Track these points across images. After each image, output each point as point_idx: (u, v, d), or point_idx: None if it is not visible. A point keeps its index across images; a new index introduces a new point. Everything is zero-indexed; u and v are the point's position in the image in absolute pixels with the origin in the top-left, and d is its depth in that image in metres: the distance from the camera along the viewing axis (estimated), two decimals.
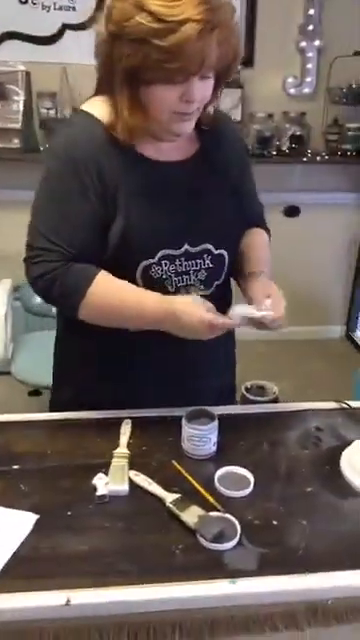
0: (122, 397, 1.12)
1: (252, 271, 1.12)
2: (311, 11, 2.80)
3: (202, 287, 1.09)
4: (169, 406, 1.11)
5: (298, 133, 2.84)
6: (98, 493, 0.89)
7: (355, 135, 2.84)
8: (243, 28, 2.75)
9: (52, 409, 1.21)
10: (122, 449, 0.99)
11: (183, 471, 0.95)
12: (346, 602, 0.78)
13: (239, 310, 1.01)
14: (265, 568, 0.78)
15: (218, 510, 0.86)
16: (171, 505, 0.86)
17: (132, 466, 0.95)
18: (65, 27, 2.65)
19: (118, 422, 1.07)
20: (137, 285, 1.03)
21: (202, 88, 0.94)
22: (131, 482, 0.92)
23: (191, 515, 0.84)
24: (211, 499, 0.88)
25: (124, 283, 1.01)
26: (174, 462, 0.97)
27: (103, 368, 1.13)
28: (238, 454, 1.00)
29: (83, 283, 0.99)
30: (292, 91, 2.93)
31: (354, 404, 1.17)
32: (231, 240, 1.13)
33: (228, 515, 0.85)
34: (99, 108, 1.01)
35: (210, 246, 1.07)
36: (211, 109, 1.06)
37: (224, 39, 0.91)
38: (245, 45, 2.77)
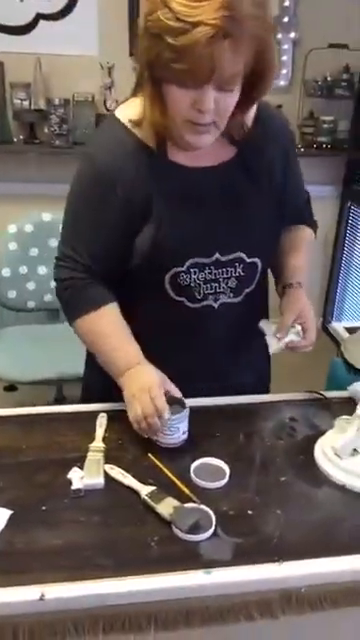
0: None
1: (287, 283, 1.11)
2: (286, 2, 2.79)
3: (231, 295, 1.08)
4: None
5: None
6: (73, 487, 0.89)
7: (330, 128, 2.85)
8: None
9: (84, 399, 1.23)
10: (97, 443, 0.99)
11: (159, 463, 0.95)
12: (320, 589, 0.79)
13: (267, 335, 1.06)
14: (240, 558, 0.79)
15: (193, 501, 0.87)
16: (146, 497, 0.86)
17: (108, 459, 0.95)
18: (39, 17, 2.60)
19: (94, 416, 1.07)
20: (166, 291, 1.03)
21: (219, 100, 0.88)
22: (106, 475, 0.92)
23: (166, 507, 0.84)
24: (187, 491, 0.89)
25: (118, 327, 1.04)
26: (150, 455, 0.97)
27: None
28: (214, 445, 1.01)
29: (88, 306, 1.04)
30: None
31: (328, 394, 1.18)
32: (265, 248, 1.10)
33: (203, 506, 0.85)
34: (132, 108, 0.98)
35: (243, 255, 1.05)
36: (245, 122, 1.00)
37: (245, 50, 0.84)
38: None
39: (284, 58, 2.89)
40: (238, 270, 1.06)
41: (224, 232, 1.03)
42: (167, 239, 0.99)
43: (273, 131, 1.07)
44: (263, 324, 1.09)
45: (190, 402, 1.01)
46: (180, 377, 1.02)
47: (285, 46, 2.87)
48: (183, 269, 1.01)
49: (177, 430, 0.99)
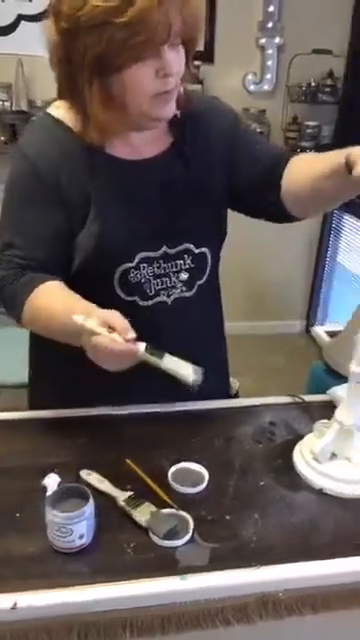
0: (109, 394, 1.06)
1: (336, 163, 0.87)
2: (271, 8, 2.82)
3: (184, 288, 1.06)
4: (156, 401, 1.09)
5: (258, 130, 2.86)
6: (48, 494, 0.87)
7: (313, 133, 2.88)
8: (203, 23, 2.75)
9: (32, 407, 1.18)
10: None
11: (136, 469, 0.94)
12: (297, 594, 0.78)
13: None
14: (216, 563, 0.78)
15: (171, 507, 0.86)
16: (123, 503, 0.85)
17: (85, 465, 0.94)
18: (20, 18, 2.59)
19: (70, 421, 1.05)
20: (116, 292, 1.00)
21: (175, 58, 0.89)
22: (83, 481, 0.91)
23: (143, 513, 0.83)
24: (164, 496, 0.88)
25: (62, 295, 0.93)
26: (128, 460, 0.96)
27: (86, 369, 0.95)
28: (193, 450, 1.00)
29: (22, 294, 0.95)
30: (252, 88, 2.95)
31: (308, 398, 1.18)
32: (212, 237, 1.08)
33: (181, 512, 0.85)
34: (63, 112, 0.97)
35: (190, 246, 1.03)
36: (185, 88, 0.99)
37: (186, 2, 0.86)
38: (205, 40, 2.77)
39: (269, 63, 2.91)
40: (187, 262, 1.04)
41: (169, 224, 1.02)
42: (112, 234, 0.97)
43: (210, 115, 1.06)
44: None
45: (169, 406, 1.01)
46: (137, 380, 0.93)
47: (269, 51, 2.89)
48: (133, 265, 1.00)
49: (70, 533, 0.76)
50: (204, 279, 1.08)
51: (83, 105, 0.92)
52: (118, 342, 0.83)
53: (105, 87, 0.90)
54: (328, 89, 2.87)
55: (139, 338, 0.86)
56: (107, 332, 0.83)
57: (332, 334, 1.51)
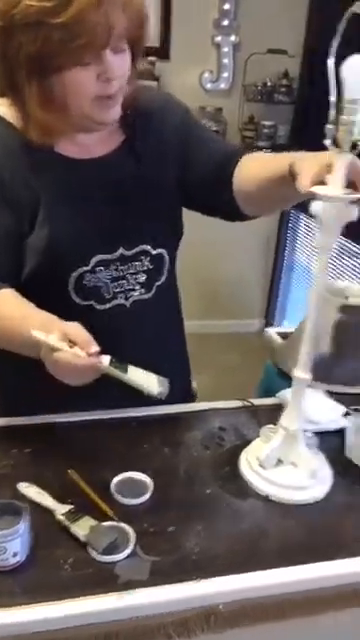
0: (74, 402, 1.00)
1: (283, 169, 0.84)
2: (226, 5, 2.81)
3: (142, 290, 1.03)
4: (116, 407, 1.05)
5: (214, 129, 2.86)
6: None
7: (270, 133, 2.89)
8: (158, 19, 2.72)
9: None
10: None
11: (78, 480, 0.91)
12: (239, 605, 0.77)
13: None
14: (157, 577, 0.76)
15: (112, 520, 0.83)
16: (62, 517, 0.82)
17: (26, 477, 0.90)
18: None
19: (18, 430, 1.01)
20: (71, 298, 0.96)
21: (119, 62, 0.85)
22: (21, 495, 0.87)
23: (82, 527, 0.80)
24: (105, 508, 0.85)
25: (16, 304, 0.89)
26: (70, 471, 0.93)
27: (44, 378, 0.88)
28: (139, 458, 0.98)
29: None
30: (209, 86, 2.94)
31: (257, 402, 1.18)
32: (170, 237, 1.06)
33: (122, 524, 0.82)
34: (5, 109, 0.93)
35: (147, 247, 1.01)
36: (135, 89, 0.96)
37: (129, 2, 0.83)
38: (160, 37, 2.74)
39: (225, 61, 2.91)
40: (145, 263, 1.02)
41: (124, 225, 0.99)
42: (63, 236, 0.94)
43: (161, 111, 1.04)
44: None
45: (118, 412, 0.98)
46: (97, 386, 0.91)
47: (225, 49, 2.88)
48: (88, 268, 0.97)
49: (2, 551, 0.73)
50: (162, 280, 1.07)
51: (23, 104, 0.88)
52: (80, 357, 0.79)
53: (45, 87, 0.86)
54: (284, 89, 2.89)
55: (98, 343, 0.83)
56: (68, 347, 0.79)
57: (284, 335, 1.51)
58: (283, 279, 3.32)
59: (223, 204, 1.04)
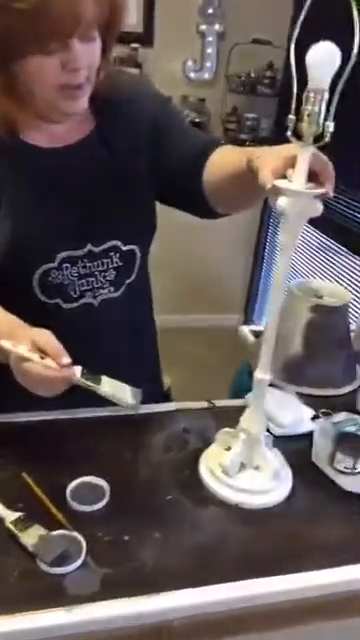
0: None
1: (243, 163, 0.81)
2: None
3: (112, 289, 0.99)
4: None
5: (197, 120, 2.80)
6: None
7: (252, 125, 2.85)
8: (141, 3, 2.65)
9: None
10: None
11: (32, 484, 0.87)
12: (193, 621, 0.74)
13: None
14: (108, 590, 0.72)
15: (65, 528, 0.79)
16: (10, 525, 0.78)
17: None
18: None
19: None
20: (35, 296, 0.91)
21: (87, 52, 0.80)
22: None
23: (31, 536, 0.76)
24: (59, 516, 0.81)
25: None
26: (24, 474, 0.88)
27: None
28: (98, 461, 0.94)
29: None
30: (192, 75, 2.88)
31: (221, 403, 1.14)
32: (142, 232, 1.01)
33: (74, 533, 0.78)
34: None
35: (118, 242, 0.96)
36: (107, 78, 0.90)
37: None
38: (144, 22, 2.67)
39: (209, 51, 2.85)
40: (115, 260, 0.98)
41: (93, 219, 0.94)
42: (28, 230, 0.89)
43: (137, 97, 0.98)
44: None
45: (75, 413, 0.94)
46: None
47: (209, 38, 2.82)
48: (54, 265, 0.92)
49: None
50: (133, 278, 1.02)
51: None
52: (52, 368, 0.76)
53: (8, 74, 0.81)
54: (267, 81, 2.84)
55: (65, 343, 0.79)
56: (39, 357, 0.76)
57: (258, 334, 1.48)
58: (264, 273, 3.29)
59: (194, 199, 1.00)
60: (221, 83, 2.90)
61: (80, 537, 0.78)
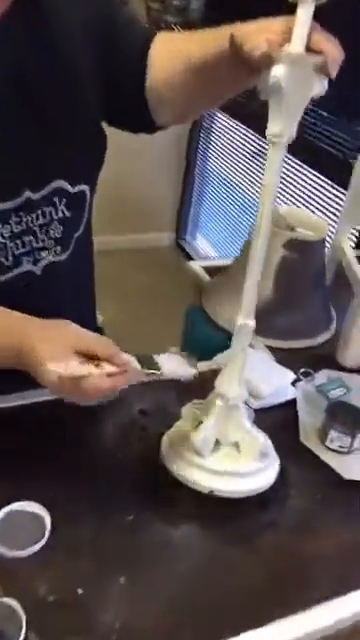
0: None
1: (219, 45, 0.62)
2: None
3: (58, 249, 0.74)
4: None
5: None
6: None
7: (180, 6, 2.42)
8: None
9: None
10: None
11: None
12: None
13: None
14: None
15: None
16: None
17: None
18: None
19: None
20: None
21: None
22: None
23: None
24: None
25: None
26: None
27: None
28: (29, 477, 0.69)
29: None
30: None
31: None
32: (92, 166, 0.75)
33: (6, 600, 0.56)
34: None
35: (65, 183, 0.70)
36: None
37: None
38: None
39: None
40: (61, 208, 0.71)
41: (29, 151, 0.66)
42: None
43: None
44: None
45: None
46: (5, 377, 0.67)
47: None
48: None
49: None
50: (81, 230, 0.77)
51: None
52: (115, 375, 0.60)
53: None
54: None
55: None
56: (94, 367, 0.60)
57: (211, 271, 1.24)
58: (196, 186, 2.99)
59: (133, 109, 0.75)
60: None
61: (16, 604, 0.55)
